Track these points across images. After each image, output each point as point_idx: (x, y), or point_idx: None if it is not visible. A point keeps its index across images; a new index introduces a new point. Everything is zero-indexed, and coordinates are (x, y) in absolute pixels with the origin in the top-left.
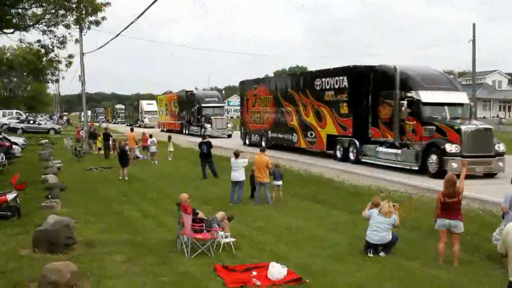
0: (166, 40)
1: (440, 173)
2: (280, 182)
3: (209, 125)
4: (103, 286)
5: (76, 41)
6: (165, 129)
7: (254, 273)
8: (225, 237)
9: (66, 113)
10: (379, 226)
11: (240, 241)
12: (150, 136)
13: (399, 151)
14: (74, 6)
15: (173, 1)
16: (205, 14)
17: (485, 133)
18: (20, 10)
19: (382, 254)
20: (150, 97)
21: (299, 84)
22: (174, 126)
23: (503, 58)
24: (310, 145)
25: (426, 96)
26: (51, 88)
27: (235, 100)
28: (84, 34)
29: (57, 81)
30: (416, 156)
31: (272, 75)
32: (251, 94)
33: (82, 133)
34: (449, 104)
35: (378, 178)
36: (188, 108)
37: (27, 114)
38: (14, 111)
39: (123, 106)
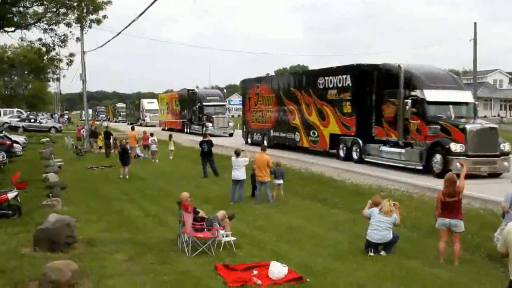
0: (167, 39)
1: (444, 173)
2: (281, 181)
3: (210, 124)
4: (104, 285)
5: (77, 39)
6: (166, 128)
7: (255, 272)
8: (226, 236)
9: (67, 112)
10: (380, 225)
11: (241, 240)
12: (151, 134)
13: (403, 151)
14: (75, 4)
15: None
16: (205, 14)
17: (490, 132)
18: (21, 9)
19: (382, 253)
20: (151, 95)
21: (302, 82)
22: (175, 125)
23: (503, 58)
24: (313, 144)
25: (430, 94)
26: (52, 87)
27: (236, 98)
28: (85, 33)
29: (58, 79)
30: (420, 155)
31: (273, 74)
32: (253, 92)
33: (83, 131)
34: (454, 103)
35: (379, 177)
36: (190, 107)
37: (28, 112)
38: (15, 109)
39: (124, 105)
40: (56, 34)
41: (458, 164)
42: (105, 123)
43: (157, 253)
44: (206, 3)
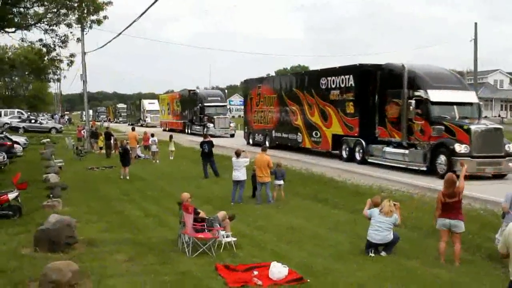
0: (167, 39)
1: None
2: (281, 182)
3: (211, 125)
4: (104, 285)
5: (78, 40)
6: (167, 129)
7: (255, 272)
8: (226, 237)
9: (68, 112)
10: (381, 226)
11: (241, 241)
12: (152, 135)
13: (406, 151)
14: (76, 5)
15: (173, 0)
16: (205, 14)
17: (495, 133)
18: (21, 9)
19: (383, 253)
20: (152, 96)
21: (304, 83)
22: (176, 126)
23: (503, 58)
24: (315, 145)
25: (434, 95)
26: (53, 87)
27: (236, 99)
28: (86, 33)
29: (58, 80)
30: (424, 156)
31: (274, 74)
32: (254, 93)
33: (84, 132)
34: (458, 104)
35: (380, 178)
36: (191, 107)
37: (29, 113)
38: (16, 110)
39: (125, 105)
40: (56, 35)
41: (467, 165)
42: (105, 124)
43: (158, 253)
44: (206, 3)
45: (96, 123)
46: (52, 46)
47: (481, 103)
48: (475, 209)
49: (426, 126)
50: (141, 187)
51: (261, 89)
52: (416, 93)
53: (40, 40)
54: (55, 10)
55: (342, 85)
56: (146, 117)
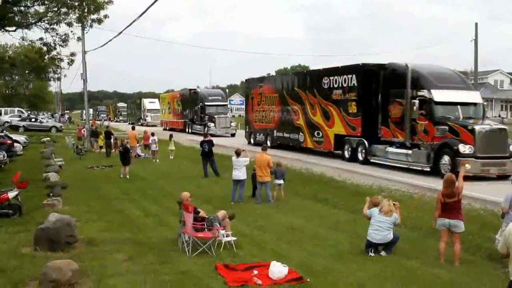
0: (167, 38)
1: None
2: (281, 181)
3: (212, 124)
4: (104, 284)
5: (78, 39)
6: (167, 128)
7: (255, 272)
8: (226, 236)
9: (68, 111)
10: (381, 226)
11: (241, 240)
12: (152, 134)
13: (410, 152)
14: (76, 4)
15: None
16: (205, 13)
17: (500, 134)
18: (22, 8)
19: (383, 253)
20: (152, 95)
21: (306, 82)
22: (177, 125)
23: (503, 58)
24: (317, 145)
25: (438, 95)
26: (53, 86)
27: (236, 98)
28: (86, 32)
29: (59, 79)
30: (428, 157)
31: (274, 74)
32: (256, 92)
33: (84, 131)
34: (462, 104)
35: (380, 178)
36: (191, 107)
37: (29, 112)
38: (16, 109)
39: (125, 104)
40: (57, 34)
41: (471, 166)
42: (106, 123)
43: (158, 253)
44: (206, 3)
45: (96, 122)
46: (53, 45)
47: (485, 103)
48: (475, 209)
49: (430, 126)
50: (141, 186)
51: (262, 89)
52: (420, 93)
53: (41, 39)
54: (56, 9)
55: (345, 85)
56: (147, 116)
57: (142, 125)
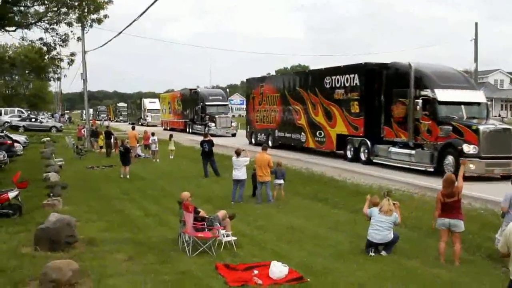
0: (167, 38)
1: (457, 175)
2: (281, 181)
3: (213, 124)
4: (104, 284)
5: (78, 39)
6: (168, 128)
7: (256, 271)
8: (227, 236)
9: (68, 111)
10: (381, 225)
11: (242, 240)
12: (152, 134)
13: (413, 152)
14: (76, 4)
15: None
16: (205, 14)
17: (504, 134)
18: (22, 8)
19: (383, 253)
20: (152, 95)
21: (308, 82)
22: (177, 125)
23: (503, 58)
24: (319, 145)
25: (442, 94)
26: (53, 86)
27: (237, 98)
28: (86, 32)
29: (59, 79)
30: (431, 157)
31: (274, 73)
32: (257, 92)
33: (84, 131)
34: (466, 103)
35: (380, 177)
36: (192, 107)
37: (29, 112)
38: (16, 109)
39: (125, 104)
40: (57, 34)
41: (475, 166)
42: (106, 123)
43: (158, 252)
44: (206, 3)
45: (96, 122)
46: (53, 45)
47: (489, 103)
48: (475, 208)
49: (433, 126)
50: (141, 186)
51: (263, 88)
52: (423, 93)
53: (41, 39)
54: (56, 9)
55: (347, 84)
56: (147, 116)
57: (142, 125)
